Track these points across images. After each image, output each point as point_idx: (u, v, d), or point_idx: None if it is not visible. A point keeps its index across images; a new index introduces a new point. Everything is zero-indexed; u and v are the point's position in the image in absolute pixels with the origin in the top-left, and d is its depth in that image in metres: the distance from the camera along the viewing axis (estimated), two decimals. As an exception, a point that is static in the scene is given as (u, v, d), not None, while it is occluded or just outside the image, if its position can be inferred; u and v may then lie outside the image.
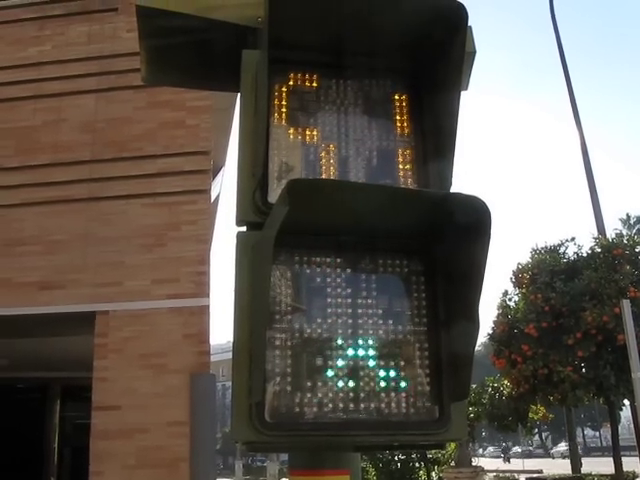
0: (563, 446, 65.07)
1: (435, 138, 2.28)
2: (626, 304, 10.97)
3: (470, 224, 1.88)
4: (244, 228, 2.13)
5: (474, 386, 25.35)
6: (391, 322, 2.11)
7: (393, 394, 2.05)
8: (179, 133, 11.12)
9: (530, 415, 22.28)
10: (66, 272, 10.27)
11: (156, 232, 10.50)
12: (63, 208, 10.63)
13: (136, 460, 9.38)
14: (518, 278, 18.35)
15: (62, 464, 17.95)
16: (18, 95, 11.34)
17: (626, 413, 31.97)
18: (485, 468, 25.96)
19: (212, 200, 12.00)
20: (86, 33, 11.79)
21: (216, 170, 13.34)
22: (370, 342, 2.07)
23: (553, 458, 65.80)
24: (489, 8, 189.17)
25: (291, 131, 2.26)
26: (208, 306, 10.26)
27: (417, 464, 23.53)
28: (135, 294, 10.15)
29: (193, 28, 2.50)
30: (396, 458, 22.45)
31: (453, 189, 2.21)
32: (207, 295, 10.31)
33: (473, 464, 24.51)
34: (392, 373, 2.06)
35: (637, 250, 16.86)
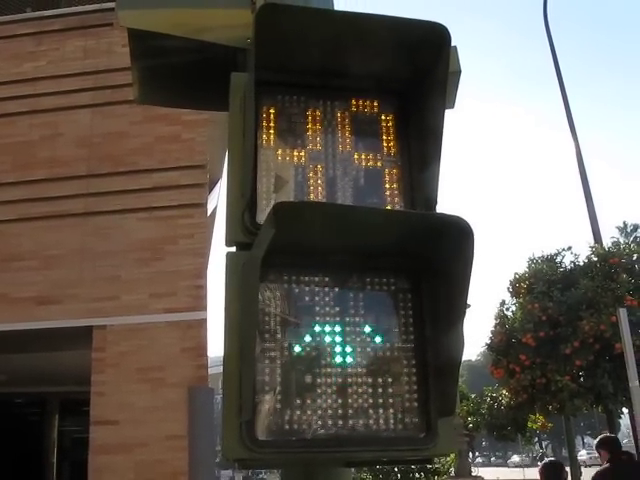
0: (516, 458, 72.63)
1: (421, 157, 2.32)
2: (623, 313, 10.97)
3: (454, 243, 1.91)
4: (234, 248, 2.17)
5: (473, 396, 25.35)
6: (379, 339, 2.14)
7: (381, 410, 2.08)
8: (175, 147, 11.17)
9: (529, 424, 22.24)
10: (63, 287, 10.30)
11: (153, 246, 10.53)
12: (60, 223, 10.67)
13: (135, 474, 9.38)
14: (515, 288, 18.32)
15: (61, 479, 17.91)
16: (14, 110, 11.40)
17: (626, 421, 31.97)
18: (485, 478, 25.95)
19: (209, 213, 12.02)
20: (82, 48, 11.86)
21: (213, 183, 13.36)
22: (358, 359, 2.10)
23: (509, 467, 68.90)
24: (481, 17, 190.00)
25: (279, 152, 2.30)
26: (206, 319, 10.28)
27: (417, 474, 23.53)
28: (132, 308, 10.18)
29: (184, 49, 2.54)
30: (396, 469, 22.42)
31: (440, 207, 2.25)
32: (204, 308, 10.34)
33: (473, 474, 24.52)
34: (380, 390, 2.09)
35: (634, 258, 16.87)
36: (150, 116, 11.11)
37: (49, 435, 18.04)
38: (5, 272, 10.41)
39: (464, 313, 1.97)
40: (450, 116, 2.33)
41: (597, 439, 8.91)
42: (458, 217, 1.88)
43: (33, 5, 13.52)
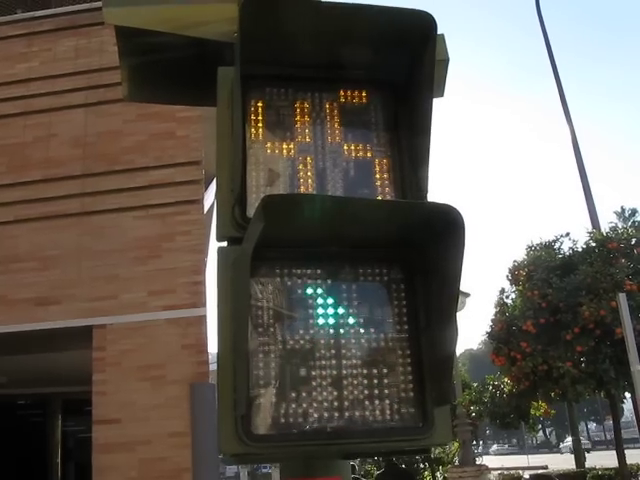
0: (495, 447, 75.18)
1: (410, 147, 2.31)
2: (622, 297, 10.96)
3: (445, 232, 1.91)
4: (225, 243, 2.16)
5: (475, 385, 25.37)
6: (373, 330, 2.14)
7: (377, 401, 2.07)
8: (169, 144, 11.14)
9: (532, 412, 22.26)
10: (62, 287, 10.29)
11: (150, 244, 10.52)
12: (56, 223, 10.65)
13: (138, 472, 9.39)
14: (514, 275, 18.31)
15: (66, 479, 17.93)
16: (7, 112, 11.37)
17: (629, 406, 32.01)
18: (489, 466, 25.99)
19: (206, 209, 11.99)
20: (73, 48, 11.81)
21: (209, 180, 13.34)
22: (353, 351, 2.10)
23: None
24: (475, 11, 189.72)
25: (268, 145, 2.29)
26: (205, 316, 10.27)
27: (422, 464, 23.58)
28: (131, 307, 10.17)
29: (172, 46, 2.53)
30: (400, 459, 22.45)
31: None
32: (204, 305, 10.33)
33: (477, 462, 24.54)
34: (375, 381, 2.09)
35: (632, 243, 16.83)
36: (144, 114, 11.08)
37: (52, 436, 18.04)
38: (3, 274, 10.40)
39: (457, 302, 1.96)
40: (443, 105, 2.32)
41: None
42: (448, 205, 1.88)
43: (23, 6, 13.48)
